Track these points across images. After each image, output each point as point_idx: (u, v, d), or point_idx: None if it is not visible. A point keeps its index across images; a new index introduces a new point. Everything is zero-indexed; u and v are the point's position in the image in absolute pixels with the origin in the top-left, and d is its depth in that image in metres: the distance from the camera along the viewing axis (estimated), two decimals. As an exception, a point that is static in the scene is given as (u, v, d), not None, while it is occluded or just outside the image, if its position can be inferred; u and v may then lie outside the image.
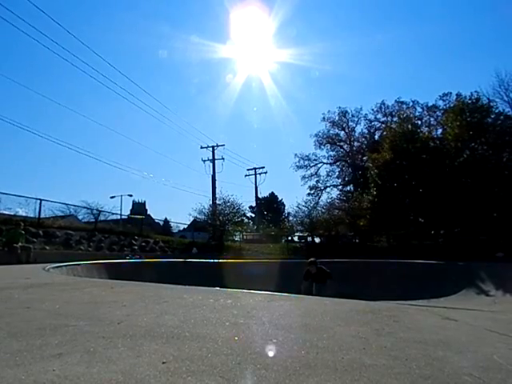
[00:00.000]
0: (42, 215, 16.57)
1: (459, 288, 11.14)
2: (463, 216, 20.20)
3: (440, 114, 32.70)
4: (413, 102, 37.64)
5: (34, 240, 13.75)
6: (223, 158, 33.90)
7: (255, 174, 39.09)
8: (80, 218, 24.62)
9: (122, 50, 61.84)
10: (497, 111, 22.63)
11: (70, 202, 33.04)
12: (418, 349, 1.74)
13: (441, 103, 35.03)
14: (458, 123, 21.91)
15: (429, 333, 2.14)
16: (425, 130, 27.24)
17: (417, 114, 34.92)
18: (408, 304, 4.08)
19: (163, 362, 1.46)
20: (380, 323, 2.39)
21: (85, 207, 23.87)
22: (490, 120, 22.14)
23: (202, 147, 33.74)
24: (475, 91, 23.13)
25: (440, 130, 26.87)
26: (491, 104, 22.75)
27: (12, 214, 15.89)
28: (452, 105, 26.84)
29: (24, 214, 16.32)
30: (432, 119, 34.90)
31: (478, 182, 19.58)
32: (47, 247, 14.13)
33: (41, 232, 14.83)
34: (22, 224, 12.66)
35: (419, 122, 31.15)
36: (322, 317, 2.56)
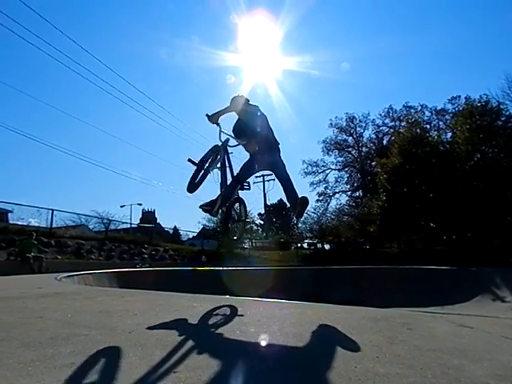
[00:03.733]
0: (54, 225, 16.86)
1: (473, 294, 10.91)
2: (475, 220, 19.88)
3: (449, 118, 32.39)
4: (421, 106, 37.38)
5: (46, 250, 13.95)
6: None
7: (263, 181, 39.06)
8: (91, 227, 24.87)
9: (127, 60, 62.91)
10: (507, 114, 22.39)
11: (80, 212, 33.43)
12: (433, 357, 1.70)
13: (450, 107, 34.72)
14: (467, 126, 21.73)
15: (444, 341, 2.09)
16: (434, 134, 26.97)
17: (425, 118, 34.66)
18: (421, 311, 4.01)
19: (174, 372, 1.46)
20: (393, 331, 2.34)
21: (95, 217, 24.14)
22: (500, 123, 21.90)
23: (210, 155, 33.82)
24: (484, 94, 22.97)
25: (449, 134, 26.66)
26: (501, 106, 22.53)
27: (25, 224, 16.19)
28: (461, 108, 26.64)
29: (36, 224, 16.62)
30: (441, 123, 34.59)
31: (490, 186, 19.29)
32: (59, 257, 14.30)
33: (53, 242, 15.05)
34: (35, 234, 12.86)
35: (428, 126, 30.91)
36: (333, 325, 2.53)
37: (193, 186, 3.61)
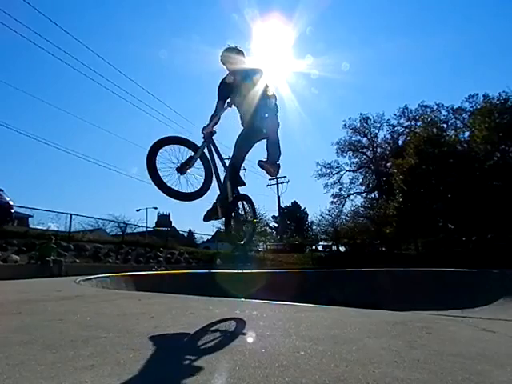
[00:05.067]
0: (72, 229, 17.29)
1: (495, 297, 10.58)
2: (496, 221, 19.34)
3: (467, 117, 31.65)
4: (437, 105, 36.63)
5: (65, 253, 14.27)
6: (245, 169, 34.08)
7: (277, 184, 39.04)
8: (108, 231, 25.37)
9: (138, 63, 64.05)
10: (528, 111, 21.69)
11: (98, 216, 34.15)
12: (453, 362, 1.66)
13: (467, 105, 33.88)
14: (486, 125, 21.19)
15: (465, 345, 2.04)
16: (451, 133, 26.42)
17: (442, 117, 33.95)
18: (440, 314, 3.92)
19: (192, 375, 1.47)
20: (412, 335, 2.30)
21: (112, 220, 24.62)
22: (520, 120, 21.26)
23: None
24: (503, 91, 22.37)
25: (467, 133, 26.06)
26: (521, 104, 21.87)
27: (44, 228, 16.66)
28: (479, 106, 25.99)
29: (55, 229, 17.10)
30: (458, 122, 33.82)
31: (511, 185, 18.74)
32: (77, 260, 14.61)
33: (71, 245, 15.39)
34: (54, 238, 13.18)
35: (445, 126, 30.31)
36: (350, 328, 2.50)
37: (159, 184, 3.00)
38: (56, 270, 11.67)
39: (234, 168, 3.48)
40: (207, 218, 3.45)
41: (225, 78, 3.58)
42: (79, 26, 54.58)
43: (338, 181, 42.63)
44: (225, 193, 3.42)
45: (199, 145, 3.31)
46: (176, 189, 3.09)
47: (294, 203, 54.55)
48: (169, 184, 3.06)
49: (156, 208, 42.85)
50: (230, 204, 3.51)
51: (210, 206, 3.45)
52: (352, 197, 42.44)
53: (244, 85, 3.39)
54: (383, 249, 30.31)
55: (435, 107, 36.50)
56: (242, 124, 3.64)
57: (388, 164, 38.29)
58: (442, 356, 1.77)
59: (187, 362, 1.68)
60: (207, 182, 3.31)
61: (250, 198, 3.89)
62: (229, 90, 3.53)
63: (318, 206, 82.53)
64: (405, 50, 55.22)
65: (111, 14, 60.18)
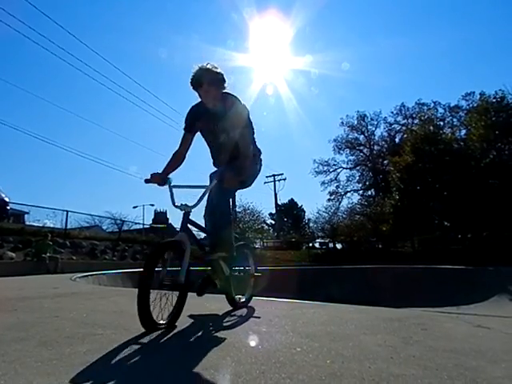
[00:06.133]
0: (69, 226, 17.24)
1: (490, 294, 10.68)
2: (492, 219, 19.49)
3: (463, 115, 31.76)
4: (434, 103, 36.77)
5: (62, 250, 14.23)
6: None
7: (274, 181, 39.09)
8: (104, 228, 25.29)
9: (137, 61, 63.59)
10: (524, 109, 21.80)
11: (94, 213, 34.03)
12: (448, 358, 1.67)
13: (464, 103, 34.02)
14: (482, 123, 21.30)
15: (460, 341, 2.06)
16: (448, 131, 26.54)
17: (438, 115, 34.06)
18: (436, 311, 3.95)
19: (187, 371, 1.47)
20: (407, 331, 2.32)
21: (109, 218, 24.53)
22: (516, 119, 21.37)
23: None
24: (500, 90, 22.44)
25: (464, 131, 26.24)
26: (517, 102, 21.97)
27: (41, 225, 16.57)
28: (475, 104, 26.11)
29: (52, 226, 17.03)
30: (455, 120, 33.95)
31: (506, 184, 18.87)
32: (74, 257, 14.58)
33: (68, 243, 15.35)
34: (50, 235, 13.13)
35: (441, 124, 30.42)
36: (346, 325, 2.51)
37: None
38: (52, 267, 11.63)
39: (228, 241, 2.87)
40: (202, 292, 2.89)
41: (198, 105, 2.91)
42: (76, 23, 54.07)
43: (335, 178, 42.82)
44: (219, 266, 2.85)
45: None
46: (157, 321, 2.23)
47: (291, 200, 54.62)
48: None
49: (153, 205, 42.70)
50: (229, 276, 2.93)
51: (201, 281, 2.87)
52: (349, 194, 42.65)
53: (235, 106, 2.72)
54: (380, 246, 30.43)
55: (432, 105, 36.66)
56: (214, 163, 3.08)
57: (385, 162, 38.42)
58: (437, 352, 1.78)
59: (183, 359, 1.68)
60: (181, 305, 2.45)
61: (248, 245, 3.42)
62: (203, 117, 2.86)
63: (314, 203, 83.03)
64: (402, 47, 55.26)
65: (108, 11, 59.70)
